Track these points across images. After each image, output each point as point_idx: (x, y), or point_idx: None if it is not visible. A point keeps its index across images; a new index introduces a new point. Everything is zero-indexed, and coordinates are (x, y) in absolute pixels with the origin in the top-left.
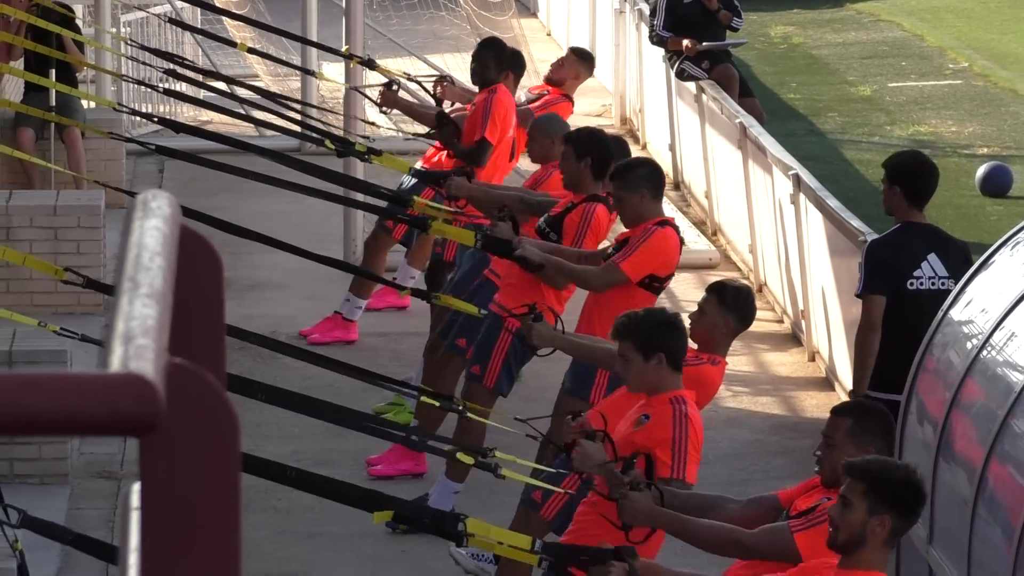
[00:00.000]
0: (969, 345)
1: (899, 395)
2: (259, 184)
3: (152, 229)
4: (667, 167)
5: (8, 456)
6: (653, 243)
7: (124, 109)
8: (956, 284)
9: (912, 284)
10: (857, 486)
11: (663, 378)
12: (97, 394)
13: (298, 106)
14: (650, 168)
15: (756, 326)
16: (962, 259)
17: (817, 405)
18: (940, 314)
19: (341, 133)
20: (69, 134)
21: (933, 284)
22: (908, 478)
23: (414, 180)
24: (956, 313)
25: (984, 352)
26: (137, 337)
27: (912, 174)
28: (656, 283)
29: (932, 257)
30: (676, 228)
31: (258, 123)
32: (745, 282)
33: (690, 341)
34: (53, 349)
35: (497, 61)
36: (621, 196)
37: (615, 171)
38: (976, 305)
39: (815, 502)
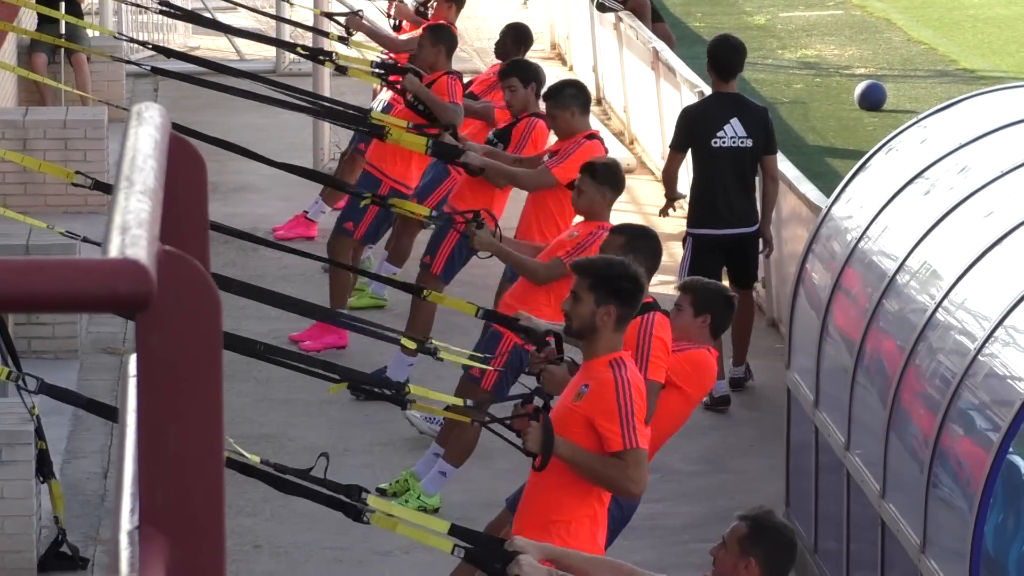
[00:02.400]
0: (849, 237)
1: (708, 229)
2: (240, 100)
3: (145, 135)
4: (591, 86)
5: (26, 335)
6: (582, 152)
7: (123, 37)
8: (753, 143)
9: (716, 142)
10: (584, 282)
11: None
12: (99, 276)
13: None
14: (577, 88)
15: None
16: (761, 123)
17: None
18: (824, 209)
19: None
20: (76, 58)
21: (734, 143)
22: (626, 272)
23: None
24: (837, 209)
25: (862, 243)
26: (132, 228)
27: (717, 54)
28: None
29: (734, 121)
30: (601, 140)
31: (241, 34)
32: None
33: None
34: (64, 243)
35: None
36: (554, 113)
37: (548, 92)
38: (855, 202)
39: None
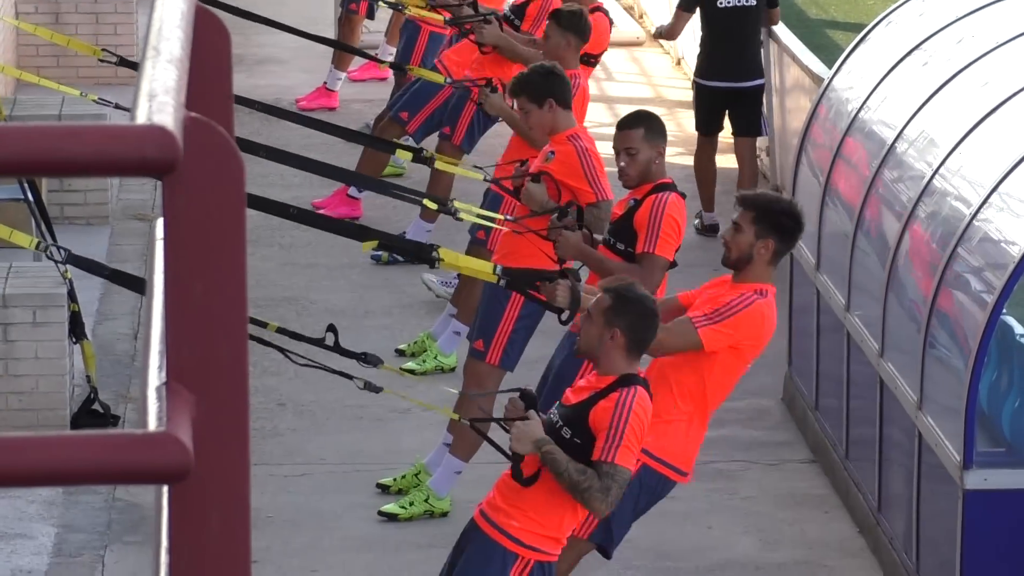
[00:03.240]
0: (849, 107)
1: (714, 81)
2: None
3: (172, 7)
4: None
5: (59, 202)
6: (600, 26)
7: None
8: (756, 2)
9: (721, 3)
10: (747, 215)
11: (557, 120)
12: (128, 141)
13: None
14: None
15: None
16: None
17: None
18: (825, 81)
19: None
20: None
21: (739, 3)
22: (790, 209)
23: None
24: (839, 81)
25: (862, 113)
26: (159, 95)
27: None
28: (592, 59)
29: None
30: (606, 12)
31: None
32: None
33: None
34: (95, 113)
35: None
36: None
37: None
38: (856, 74)
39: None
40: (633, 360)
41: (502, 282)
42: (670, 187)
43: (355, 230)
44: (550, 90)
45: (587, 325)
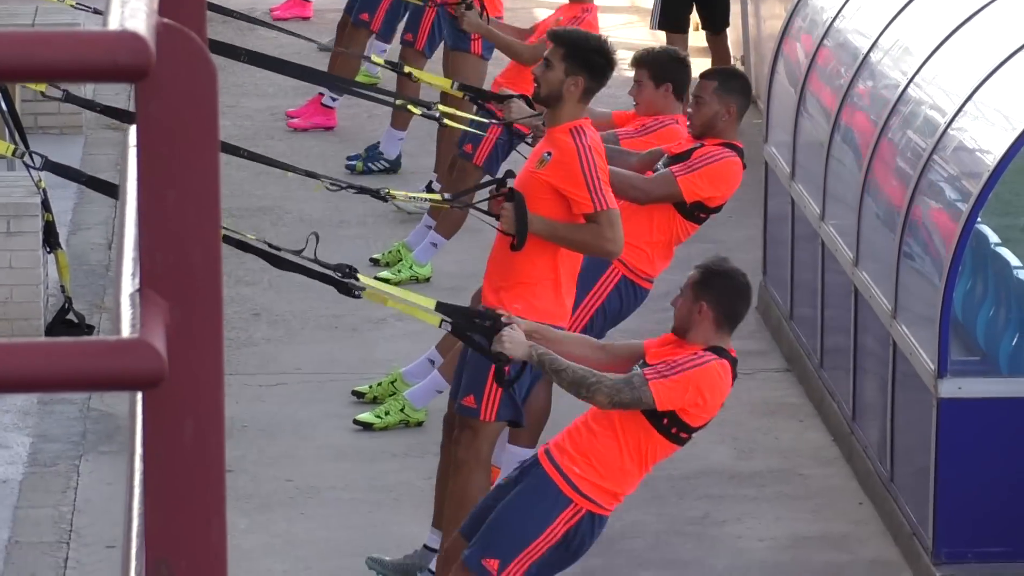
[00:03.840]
0: (825, 16)
1: None
2: None
3: None
4: None
5: (32, 111)
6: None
7: None
8: None
9: None
10: (558, 50)
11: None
12: (100, 47)
13: None
14: None
15: None
16: None
17: None
18: None
19: None
20: None
21: None
22: (601, 46)
23: None
24: None
25: (837, 22)
26: (131, 1)
27: None
28: None
29: None
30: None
31: None
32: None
33: None
34: (68, 22)
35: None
36: None
37: None
38: None
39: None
40: (724, 334)
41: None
42: (736, 149)
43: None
44: (674, 76)
45: (681, 300)
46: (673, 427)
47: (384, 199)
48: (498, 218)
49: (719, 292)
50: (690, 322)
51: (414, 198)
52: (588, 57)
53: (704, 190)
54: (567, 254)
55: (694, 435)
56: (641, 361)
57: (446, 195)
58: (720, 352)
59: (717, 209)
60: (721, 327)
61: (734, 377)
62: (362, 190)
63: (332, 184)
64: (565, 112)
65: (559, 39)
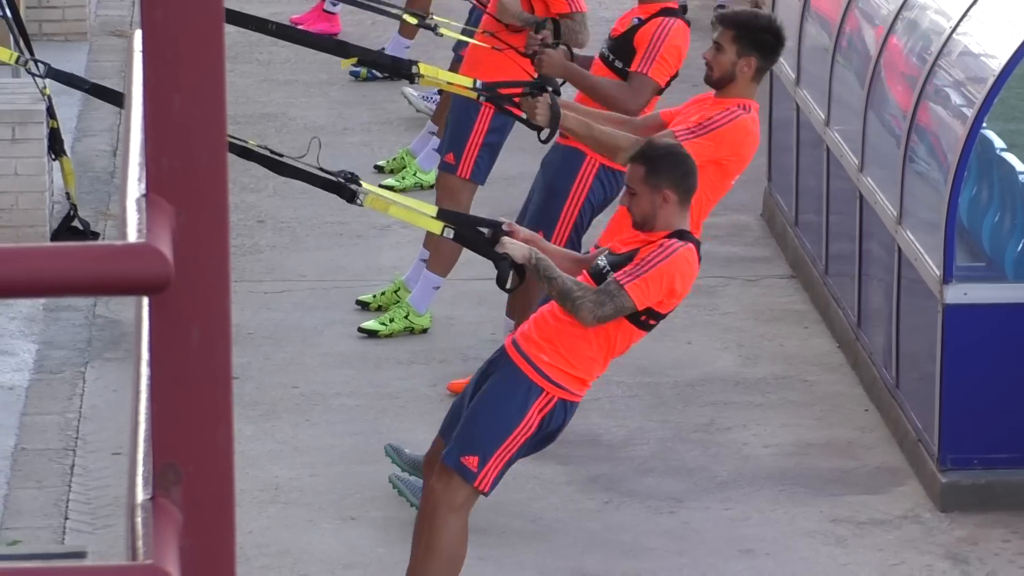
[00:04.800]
0: None
1: None
2: None
3: None
4: None
5: (37, 19)
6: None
7: None
8: None
9: None
10: (727, 33)
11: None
12: None
13: None
14: None
15: None
16: None
17: None
18: None
19: None
20: None
21: None
22: (770, 25)
23: None
24: None
25: None
26: None
27: None
28: None
29: None
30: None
31: None
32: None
33: None
34: None
35: None
36: None
37: None
38: None
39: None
40: (684, 214)
41: (481, 98)
42: (676, 12)
43: (335, 46)
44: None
45: (633, 201)
46: (643, 315)
47: (412, 79)
48: (528, 119)
49: (674, 172)
50: (654, 214)
51: (447, 82)
52: (758, 37)
53: (672, 65)
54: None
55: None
56: (607, 252)
57: (478, 83)
58: (684, 236)
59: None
60: (683, 206)
61: (699, 258)
62: (393, 69)
63: (356, 67)
64: (737, 92)
65: (727, 22)
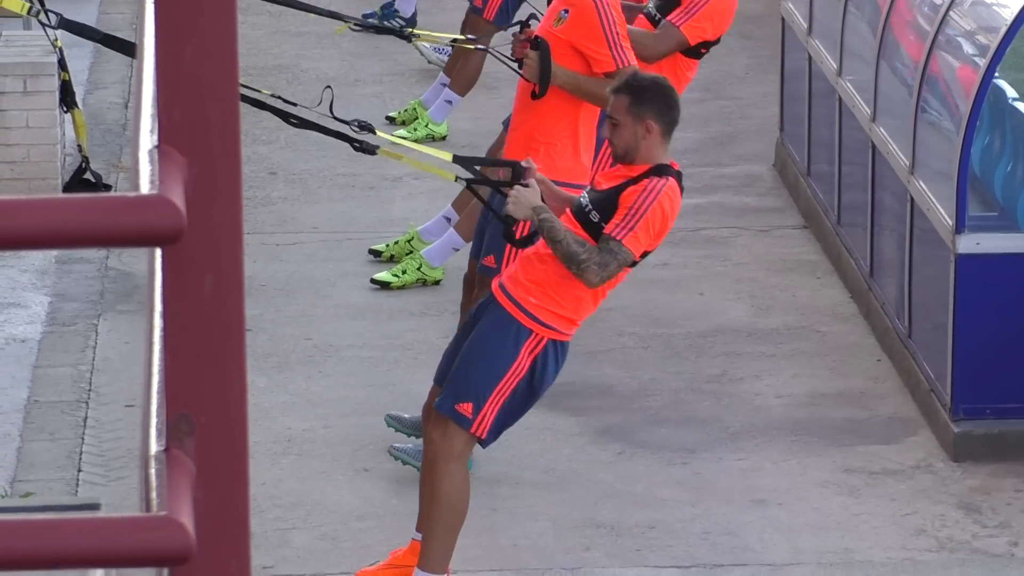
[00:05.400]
0: None
1: None
2: None
3: None
4: None
5: None
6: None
7: None
8: None
9: None
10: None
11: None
12: None
13: None
14: None
15: None
16: None
17: None
18: None
19: None
20: None
21: None
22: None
23: None
24: None
25: None
26: None
27: None
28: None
29: None
30: None
31: None
32: None
33: None
34: None
35: None
36: None
37: None
38: None
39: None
40: (665, 146)
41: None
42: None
43: (330, 14)
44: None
45: (616, 132)
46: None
47: (408, 39)
48: (521, 64)
49: (658, 103)
50: (636, 145)
51: (438, 39)
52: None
53: (707, 31)
54: (587, 114)
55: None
56: (588, 189)
57: (470, 36)
58: (664, 171)
59: (716, 41)
60: (665, 139)
61: (682, 189)
62: (385, 30)
63: (356, 25)
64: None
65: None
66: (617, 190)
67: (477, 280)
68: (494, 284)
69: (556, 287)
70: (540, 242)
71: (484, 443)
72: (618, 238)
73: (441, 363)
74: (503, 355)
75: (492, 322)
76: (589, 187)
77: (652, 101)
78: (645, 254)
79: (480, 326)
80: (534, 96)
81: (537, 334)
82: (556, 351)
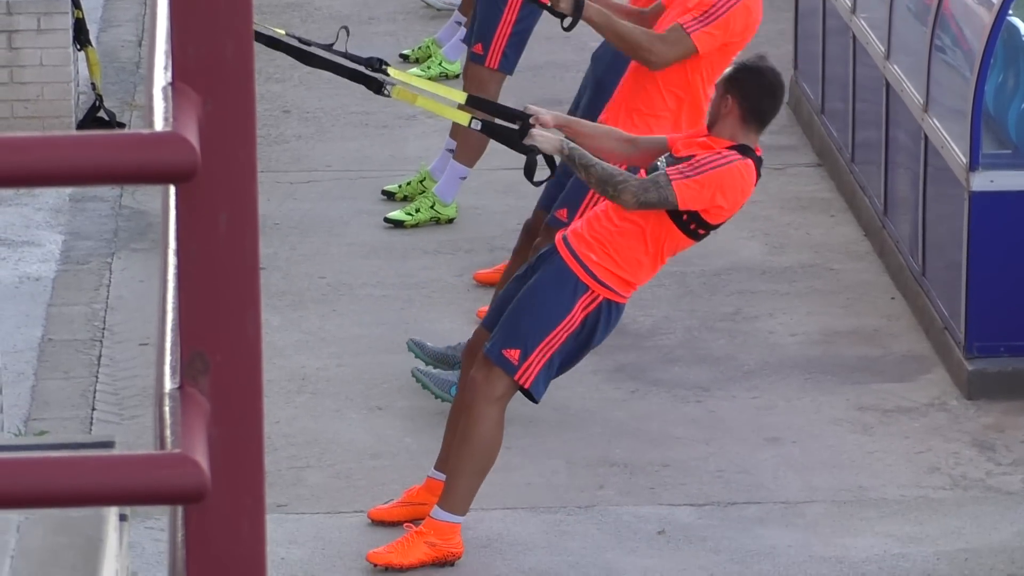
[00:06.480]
0: None
1: None
2: None
3: None
4: None
5: None
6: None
7: None
8: None
9: None
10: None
11: None
12: None
13: None
14: None
15: None
16: None
17: None
18: None
19: None
20: None
21: None
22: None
23: None
24: None
25: None
26: None
27: None
28: None
29: None
30: None
31: None
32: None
33: None
34: None
35: None
36: None
37: None
38: None
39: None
40: (751, 132)
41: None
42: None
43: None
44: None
45: (712, 98)
46: (692, 223)
47: None
48: (552, 7)
49: (747, 88)
50: (718, 115)
51: None
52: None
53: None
54: (693, 95)
55: (715, 231)
56: (668, 155)
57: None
58: (745, 151)
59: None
60: (748, 124)
61: (758, 176)
62: None
63: None
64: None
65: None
66: (695, 155)
67: (543, 229)
68: (557, 236)
69: (618, 247)
70: (606, 202)
71: (535, 397)
72: (669, 176)
73: (491, 308)
74: (558, 307)
75: (550, 273)
76: (668, 154)
77: (743, 82)
78: (704, 224)
79: (539, 275)
80: (565, 29)
81: (594, 291)
82: (610, 311)
